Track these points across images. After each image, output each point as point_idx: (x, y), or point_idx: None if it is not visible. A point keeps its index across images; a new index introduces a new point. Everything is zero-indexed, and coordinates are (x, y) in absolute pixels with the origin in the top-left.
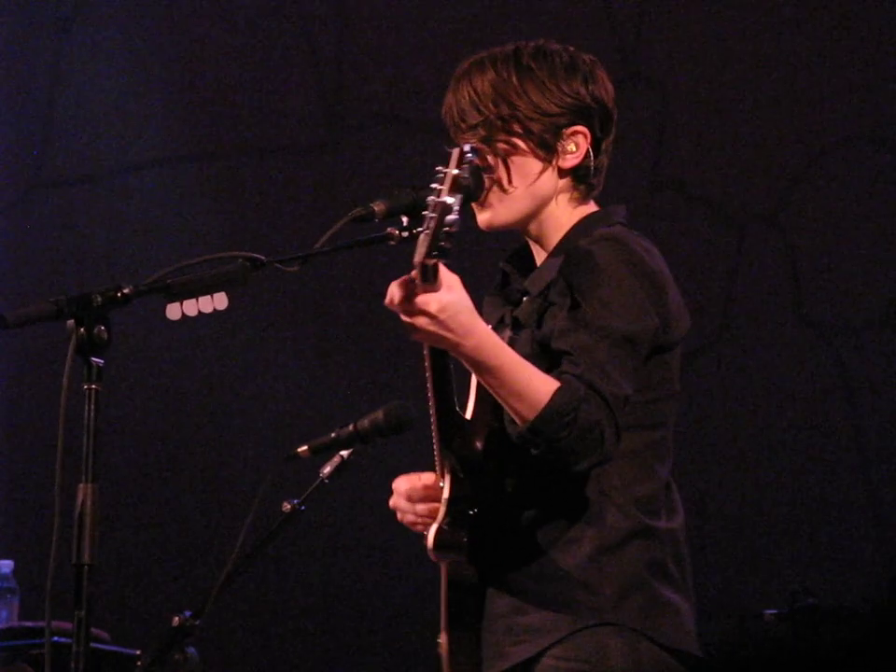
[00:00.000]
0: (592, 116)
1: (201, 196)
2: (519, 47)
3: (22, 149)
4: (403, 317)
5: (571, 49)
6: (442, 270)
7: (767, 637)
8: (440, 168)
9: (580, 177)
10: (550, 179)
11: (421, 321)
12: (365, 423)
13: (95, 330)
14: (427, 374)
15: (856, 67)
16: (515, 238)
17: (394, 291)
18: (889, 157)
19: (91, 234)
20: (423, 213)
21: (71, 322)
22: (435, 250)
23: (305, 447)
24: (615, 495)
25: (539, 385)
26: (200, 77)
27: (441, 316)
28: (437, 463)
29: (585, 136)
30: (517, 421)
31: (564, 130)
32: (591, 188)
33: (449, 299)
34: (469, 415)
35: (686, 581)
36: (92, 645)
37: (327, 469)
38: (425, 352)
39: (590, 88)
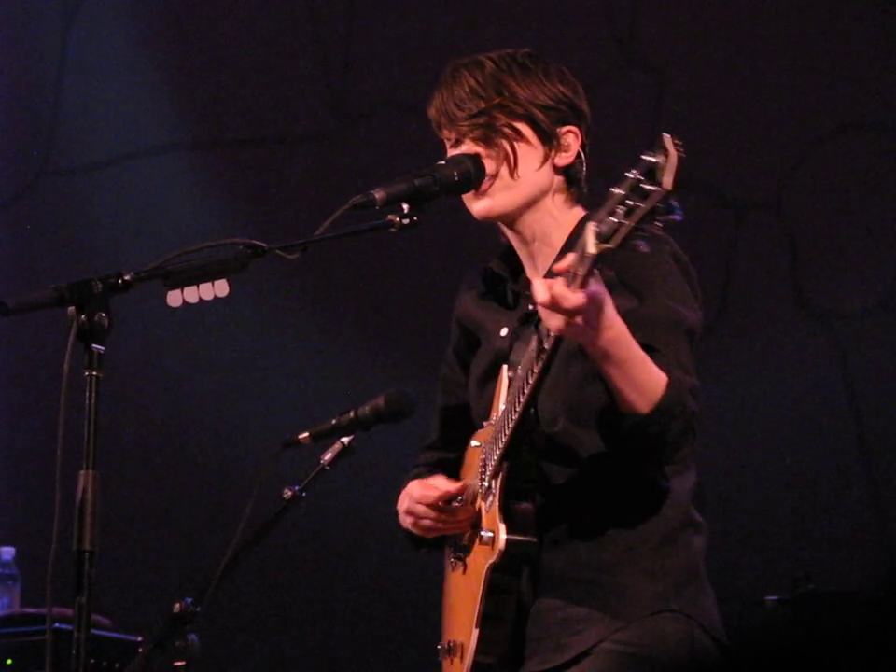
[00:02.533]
0: (581, 120)
1: (207, 183)
2: (514, 51)
3: (29, 138)
4: (560, 316)
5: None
6: None
7: (769, 624)
8: (646, 156)
9: (571, 178)
10: (548, 173)
11: (579, 317)
12: (366, 409)
13: (96, 317)
14: (533, 372)
15: (855, 53)
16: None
17: (562, 292)
18: (888, 143)
19: (98, 222)
20: (618, 196)
21: (72, 309)
22: (636, 234)
23: (306, 434)
24: (668, 487)
25: (656, 378)
26: (205, 65)
27: (593, 308)
28: (472, 461)
29: (577, 137)
30: (625, 410)
31: (559, 127)
32: (581, 191)
33: (600, 289)
34: (494, 417)
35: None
36: (93, 631)
37: (328, 456)
38: (539, 353)
39: (578, 98)
